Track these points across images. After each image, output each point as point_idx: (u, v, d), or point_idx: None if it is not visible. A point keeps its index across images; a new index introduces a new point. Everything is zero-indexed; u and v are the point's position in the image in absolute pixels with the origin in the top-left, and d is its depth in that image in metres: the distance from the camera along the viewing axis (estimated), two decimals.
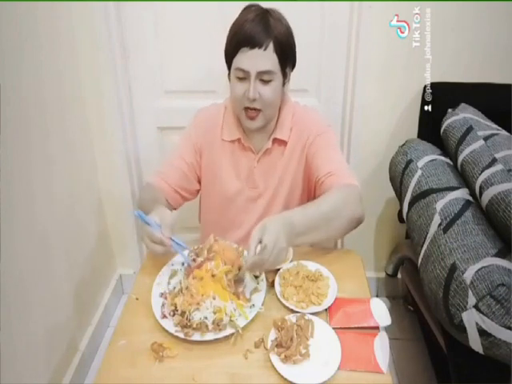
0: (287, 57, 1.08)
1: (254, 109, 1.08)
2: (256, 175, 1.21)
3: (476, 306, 0.86)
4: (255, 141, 1.20)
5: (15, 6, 1.17)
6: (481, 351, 0.89)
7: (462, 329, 0.89)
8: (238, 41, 1.04)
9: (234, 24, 1.07)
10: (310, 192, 1.23)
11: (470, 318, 0.87)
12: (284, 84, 1.12)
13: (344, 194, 1.05)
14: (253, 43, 1.02)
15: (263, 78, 1.05)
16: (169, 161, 1.24)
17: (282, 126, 1.18)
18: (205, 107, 1.27)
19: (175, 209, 1.22)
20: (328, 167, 1.11)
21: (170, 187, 1.18)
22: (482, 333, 0.86)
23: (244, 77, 1.06)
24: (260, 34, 1.02)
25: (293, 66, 1.13)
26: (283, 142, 1.18)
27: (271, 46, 1.03)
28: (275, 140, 1.18)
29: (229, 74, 1.12)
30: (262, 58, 1.03)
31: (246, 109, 1.09)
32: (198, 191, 1.28)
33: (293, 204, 1.22)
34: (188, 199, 1.26)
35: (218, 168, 1.22)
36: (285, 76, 1.10)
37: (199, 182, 1.26)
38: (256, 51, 1.03)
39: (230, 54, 1.07)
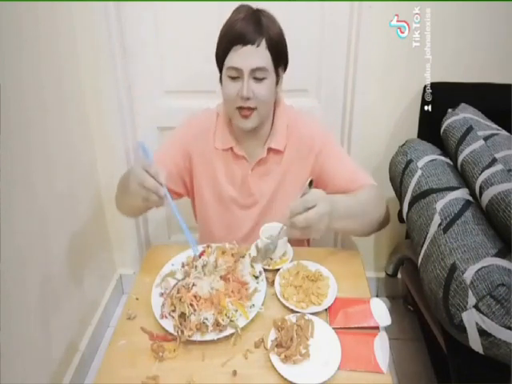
0: (280, 56, 1.07)
1: (249, 107, 1.06)
2: (251, 183, 1.19)
3: (476, 306, 0.86)
4: (249, 148, 1.18)
5: (15, 5, 1.17)
6: (481, 351, 0.89)
7: (462, 329, 0.89)
8: (229, 39, 1.03)
9: (224, 25, 1.06)
10: None
11: (470, 318, 0.87)
12: (277, 84, 1.11)
13: (376, 194, 1.12)
14: (245, 40, 1.01)
15: (256, 75, 1.03)
16: (154, 156, 1.17)
17: (276, 133, 1.16)
18: (196, 114, 1.25)
19: (156, 206, 1.19)
20: (346, 175, 1.15)
21: None
22: (482, 333, 0.86)
23: (237, 75, 1.04)
24: (252, 31, 1.01)
25: (285, 67, 1.12)
26: (279, 152, 1.17)
27: (264, 43, 1.02)
28: (270, 149, 1.16)
29: (220, 76, 1.10)
30: (254, 55, 1.02)
31: (240, 108, 1.07)
32: (181, 195, 1.25)
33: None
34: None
35: (212, 175, 1.20)
36: (277, 76, 1.09)
37: (185, 187, 1.24)
38: (249, 48, 1.02)
39: (222, 54, 1.05)
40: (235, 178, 1.20)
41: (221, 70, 1.09)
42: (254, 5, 1.08)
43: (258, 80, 1.04)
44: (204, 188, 1.22)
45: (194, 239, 1.01)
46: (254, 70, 1.03)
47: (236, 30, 1.02)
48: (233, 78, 1.05)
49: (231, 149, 1.17)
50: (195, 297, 0.90)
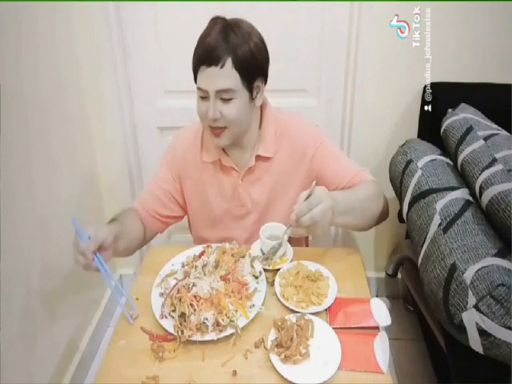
0: (252, 73, 1.02)
1: (219, 127, 1.05)
2: (241, 193, 1.17)
3: (476, 306, 0.86)
4: (237, 158, 1.16)
5: (15, 6, 1.17)
6: (481, 351, 0.89)
7: (462, 329, 0.89)
8: (196, 58, 1.01)
9: (198, 39, 1.03)
10: None
11: (470, 318, 0.87)
12: (254, 98, 1.07)
13: (374, 189, 1.11)
14: (209, 61, 0.98)
15: (223, 96, 1.00)
16: (147, 186, 1.23)
17: (264, 141, 1.14)
18: (181, 130, 1.24)
19: (161, 232, 1.22)
20: (346, 175, 1.13)
21: (148, 212, 1.17)
22: (482, 333, 0.86)
23: (204, 96, 1.02)
24: (216, 50, 0.97)
25: (265, 79, 1.08)
26: (268, 159, 1.14)
27: (229, 62, 0.98)
28: (258, 157, 1.14)
29: None
30: (219, 77, 0.99)
31: (211, 127, 1.06)
32: (182, 216, 1.27)
33: (287, 213, 1.19)
34: (170, 223, 1.24)
35: (202, 190, 1.19)
36: (252, 91, 1.05)
37: (182, 208, 1.24)
38: (213, 69, 0.98)
39: (194, 72, 1.04)
40: (225, 190, 1.18)
41: None
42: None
43: (225, 100, 1.01)
44: (195, 203, 1.22)
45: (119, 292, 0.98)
46: (219, 92, 1.00)
47: (202, 49, 1.00)
48: (202, 98, 1.03)
49: (219, 161, 1.16)
50: (195, 297, 0.90)
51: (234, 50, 0.98)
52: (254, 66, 1.02)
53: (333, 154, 1.17)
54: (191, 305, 0.89)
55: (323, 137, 1.18)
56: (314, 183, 0.93)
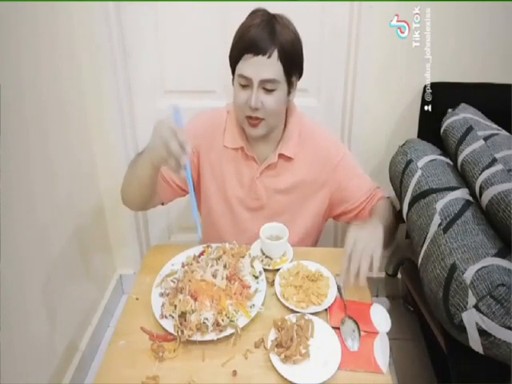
0: (293, 65, 1.05)
1: (256, 117, 1.05)
2: (258, 186, 1.18)
3: (476, 306, 0.86)
4: (259, 150, 1.17)
5: (15, 6, 1.17)
6: (481, 351, 0.89)
7: (462, 329, 0.89)
8: (241, 46, 1.01)
9: (239, 28, 1.04)
10: (330, 208, 1.24)
11: (470, 318, 0.87)
12: (289, 93, 1.09)
13: (390, 207, 1.19)
14: (257, 50, 0.99)
15: (266, 86, 1.02)
16: None
17: (288, 140, 1.15)
18: (205, 110, 1.24)
19: (163, 203, 1.17)
20: (365, 191, 1.19)
21: (162, 174, 1.13)
22: (482, 333, 0.86)
23: (247, 84, 1.03)
24: (265, 40, 0.99)
25: (300, 74, 1.10)
26: (290, 159, 1.16)
27: (276, 53, 1.00)
28: (281, 156, 1.15)
29: (233, 79, 1.09)
30: (265, 66, 1.00)
31: (248, 117, 1.06)
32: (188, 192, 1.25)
33: (301, 217, 1.21)
34: (177, 196, 1.21)
35: (219, 173, 1.19)
36: (290, 85, 1.07)
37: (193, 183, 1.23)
38: (260, 58, 0.99)
39: (234, 60, 1.04)
40: (243, 179, 1.18)
41: (233, 73, 1.07)
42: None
43: (268, 91, 1.03)
44: (210, 185, 1.21)
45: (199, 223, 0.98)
46: (263, 81, 1.01)
47: (249, 38, 1.00)
48: (243, 86, 1.04)
49: (241, 149, 1.16)
50: (195, 297, 0.90)
51: (281, 42, 1.00)
52: (294, 60, 1.05)
53: (354, 168, 1.21)
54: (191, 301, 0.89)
55: (345, 148, 1.23)
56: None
